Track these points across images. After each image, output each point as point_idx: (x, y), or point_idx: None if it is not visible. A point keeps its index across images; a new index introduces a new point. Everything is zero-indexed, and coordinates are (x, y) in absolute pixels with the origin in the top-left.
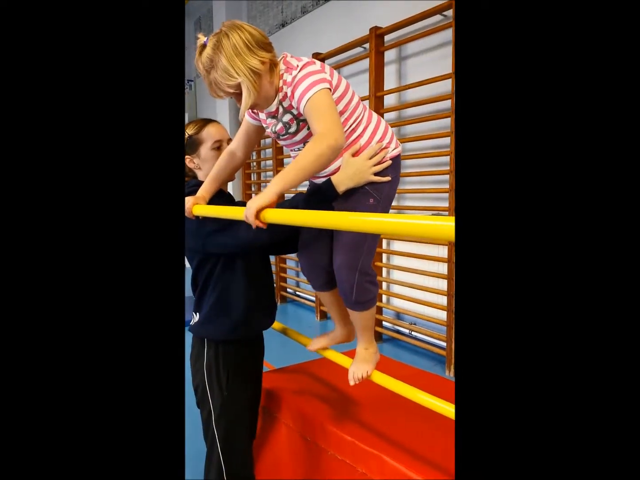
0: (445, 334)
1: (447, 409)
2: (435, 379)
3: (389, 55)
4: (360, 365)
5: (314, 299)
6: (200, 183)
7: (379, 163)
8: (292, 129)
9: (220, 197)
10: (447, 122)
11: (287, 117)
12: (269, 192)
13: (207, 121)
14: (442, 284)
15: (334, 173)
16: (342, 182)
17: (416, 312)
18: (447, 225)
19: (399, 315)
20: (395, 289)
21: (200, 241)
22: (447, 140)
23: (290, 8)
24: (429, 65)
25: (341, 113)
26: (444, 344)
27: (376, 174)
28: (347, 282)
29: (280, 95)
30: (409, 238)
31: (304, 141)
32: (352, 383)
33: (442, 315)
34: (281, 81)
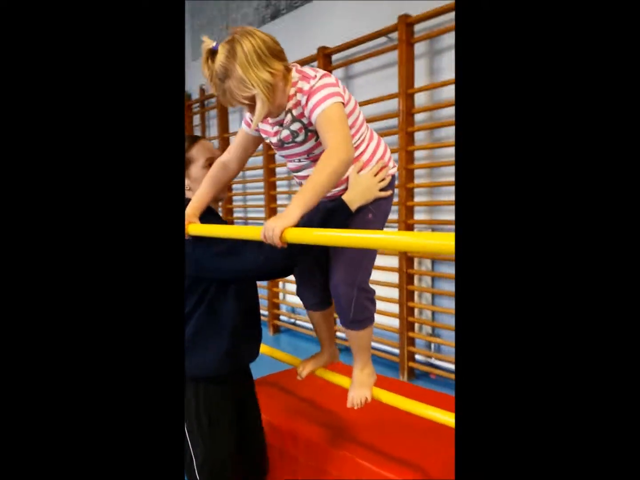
0: (398, 340)
1: (408, 406)
2: (392, 381)
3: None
4: (358, 391)
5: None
6: None
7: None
8: (300, 138)
9: (212, 215)
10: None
11: (295, 126)
12: (292, 214)
13: (195, 138)
14: (393, 293)
15: (342, 192)
16: (354, 201)
17: None
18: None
19: None
20: None
21: (192, 265)
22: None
23: None
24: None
25: (349, 128)
26: (396, 350)
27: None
28: (345, 298)
29: (292, 102)
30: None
31: (309, 152)
32: (349, 406)
33: (395, 322)
34: (293, 89)
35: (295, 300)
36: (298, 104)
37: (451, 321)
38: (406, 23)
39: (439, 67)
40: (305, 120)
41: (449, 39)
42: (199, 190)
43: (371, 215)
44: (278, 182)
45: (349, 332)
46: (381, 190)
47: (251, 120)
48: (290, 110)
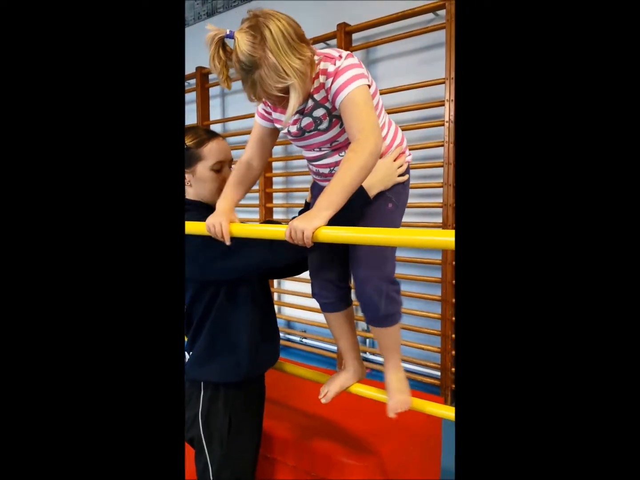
0: None
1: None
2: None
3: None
4: (398, 398)
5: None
6: (191, 202)
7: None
8: (323, 126)
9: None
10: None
11: (319, 112)
12: (322, 215)
13: (211, 135)
14: None
15: None
16: (374, 186)
17: (307, 319)
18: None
19: (289, 324)
20: (286, 298)
21: (197, 268)
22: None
23: None
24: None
25: None
26: (334, 347)
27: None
28: (376, 292)
29: (314, 86)
30: None
31: (332, 141)
32: (392, 415)
33: None
34: (315, 71)
35: (291, 312)
36: (321, 87)
37: None
38: (345, 31)
39: (375, 75)
40: (329, 105)
41: (385, 49)
42: (226, 190)
43: (391, 204)
44: (275, 179)
45: (379, 331)
46: (399, 176)
47: (265, 112)
48: (312, 95)
